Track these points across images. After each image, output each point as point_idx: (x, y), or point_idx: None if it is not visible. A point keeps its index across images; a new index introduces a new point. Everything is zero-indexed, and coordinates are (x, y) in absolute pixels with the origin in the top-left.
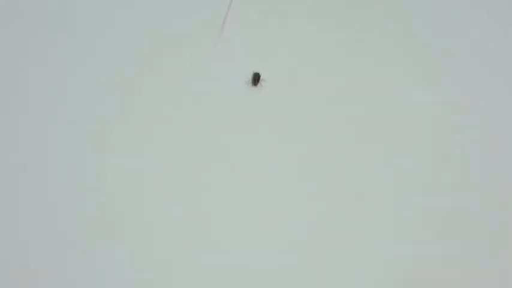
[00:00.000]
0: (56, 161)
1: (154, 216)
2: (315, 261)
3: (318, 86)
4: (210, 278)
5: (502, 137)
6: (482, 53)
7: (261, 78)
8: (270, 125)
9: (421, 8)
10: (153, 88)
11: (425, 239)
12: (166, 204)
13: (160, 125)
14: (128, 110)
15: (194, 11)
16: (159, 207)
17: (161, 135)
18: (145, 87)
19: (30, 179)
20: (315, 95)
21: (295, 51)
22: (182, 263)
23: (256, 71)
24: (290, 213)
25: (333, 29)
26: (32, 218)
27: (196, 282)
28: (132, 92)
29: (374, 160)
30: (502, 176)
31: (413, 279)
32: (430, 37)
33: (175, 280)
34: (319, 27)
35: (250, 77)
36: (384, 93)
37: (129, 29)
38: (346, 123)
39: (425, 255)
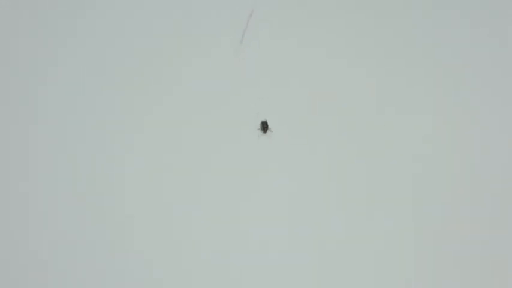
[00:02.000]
0: (62, 162)
1: (163, 219)
2: (319, 263)
3: (332, 100)
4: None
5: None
6: (487, 55)
7: (269, 127)
8: (282, 133)
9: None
10: (171, 97)
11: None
12: (171, 206)
13: (172, 132)
14: (141, 114)
15: (214, 20)
16: (167, 210)
17: (172, 141)
18: (163, 96)
19: (33, 181)
20: (328, 109)
21: (316, 64)
22: (190, 263)
23: (264, 119)
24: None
25: (355, 42)
26: (39, 219)
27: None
28: (147, 100)
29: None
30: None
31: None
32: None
33: (183, 281)
34: (342, 40)
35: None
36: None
37: (146, 35)
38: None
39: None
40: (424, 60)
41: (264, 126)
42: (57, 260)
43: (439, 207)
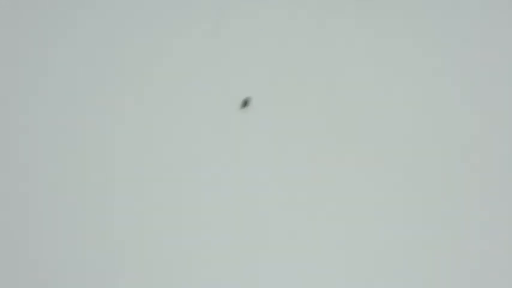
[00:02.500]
0: (57, 162)
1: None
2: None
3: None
4: None
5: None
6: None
7: (248, 103)
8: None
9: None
10: (152, 87)
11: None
12: (161, 208)
13: (159, 127)
14: (126, 112)
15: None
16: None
17: (160, 138)
18: (144, 89)
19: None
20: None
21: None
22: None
23: (247, 96)
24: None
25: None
26: (34, 219)
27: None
28: (130, 94)
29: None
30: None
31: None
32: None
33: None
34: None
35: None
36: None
37: (128, 31)
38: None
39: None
40: (419, 54)
41: (245, 103)
42: (54, 259)
43: (436, 203)
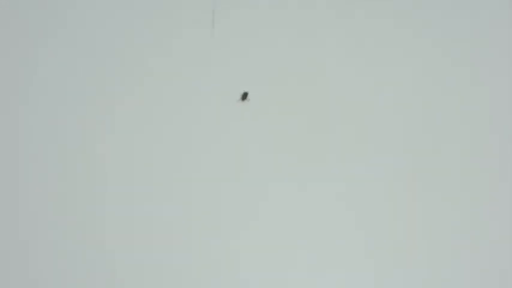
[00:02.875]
0: (51, 161)
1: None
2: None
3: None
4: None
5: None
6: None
7: (248, 96)
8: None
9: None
10: (144, 89)
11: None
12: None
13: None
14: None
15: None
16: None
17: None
18: (136, 90)
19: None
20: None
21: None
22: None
23: (245, 90)
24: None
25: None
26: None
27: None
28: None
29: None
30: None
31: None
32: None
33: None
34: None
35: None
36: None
37: (121, 28)
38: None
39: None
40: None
41: (244, 96)
42: (47, 257)
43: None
